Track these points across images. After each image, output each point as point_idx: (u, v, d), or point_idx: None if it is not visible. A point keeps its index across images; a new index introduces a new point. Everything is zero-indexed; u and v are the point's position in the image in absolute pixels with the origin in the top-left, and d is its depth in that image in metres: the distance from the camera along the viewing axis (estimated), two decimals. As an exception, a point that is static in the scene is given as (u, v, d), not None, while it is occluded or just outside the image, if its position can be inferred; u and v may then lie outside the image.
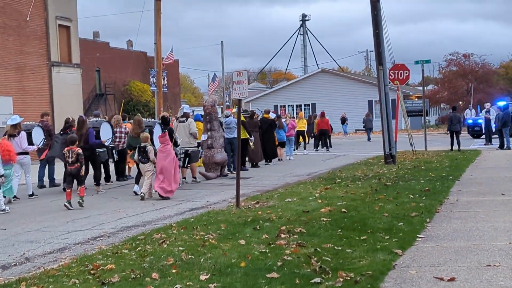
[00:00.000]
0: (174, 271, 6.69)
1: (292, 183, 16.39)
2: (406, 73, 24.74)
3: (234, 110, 21.96)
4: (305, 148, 30.71)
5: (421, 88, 74.61)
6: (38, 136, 17.02)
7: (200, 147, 19.20)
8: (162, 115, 19.13)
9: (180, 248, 7.85)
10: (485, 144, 30.22)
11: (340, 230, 8.89)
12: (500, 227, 9.01)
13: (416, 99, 57.03)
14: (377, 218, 9.78)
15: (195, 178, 18.32)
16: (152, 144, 15.33)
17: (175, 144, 16.11)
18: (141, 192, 14.36)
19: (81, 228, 10.57)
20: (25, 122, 17.28)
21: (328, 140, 32.69)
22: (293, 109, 57.13)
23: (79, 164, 13.43)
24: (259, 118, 23.59)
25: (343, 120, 50.67)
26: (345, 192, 13.16)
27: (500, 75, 79.62)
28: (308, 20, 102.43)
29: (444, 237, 8.51)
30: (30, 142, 16.28)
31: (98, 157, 16.58)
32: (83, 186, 13.51)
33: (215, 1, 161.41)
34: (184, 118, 18.35)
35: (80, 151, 13.60)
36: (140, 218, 11.41)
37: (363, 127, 45.32)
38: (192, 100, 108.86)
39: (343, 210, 10.55)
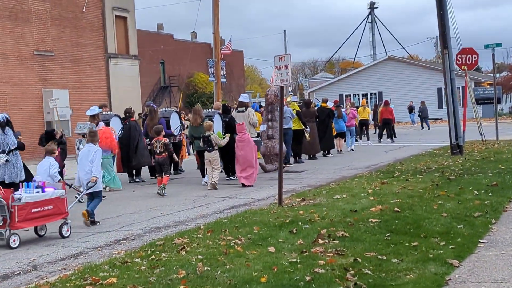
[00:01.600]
0: (182, 287, 5.71)
1: (348, 177, 15.21)
2: (475, 57, 22.99)
3: (289, 99, 20.85)
4: (368, 138, 29.17)
5: (497, 75, 71.52)
6: (117, 126, 16.75)
7: (259, 137, 18.31)
8: (223, 104, 18.43)
9: (199, 256, 6.85)
10: None
11: (389, 234, 7.71)
12: None
13: (488, 86, 54.36)
14: (433, 219, 8.54)
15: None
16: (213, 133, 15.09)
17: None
18: (212, 181, 14.38)
19: (107, 229, 9.74)
20: (103, 113, 17.02)
21: (392, 130, 31.18)
22: (359, 98, 55.42)
23: (167, 153, 13.90)
24: (316, 108, 22.38)
25: (411, 109, 48.61)
26: (402, 187, 11.89)
27: None
28: (376, 8, 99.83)
29: (511, 244, 7.23)
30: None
31: None
32: (168, 175, 14.11)
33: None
34: (243, 108, 17.51)
35: (167, 141, 14.14)
36: (174, 218, 10.51)
37: (419, 115, 43.32)
38: (260, 91, 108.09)
39: (396, 209, 9.34)
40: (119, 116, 17.17)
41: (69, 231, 9.24)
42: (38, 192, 8.97)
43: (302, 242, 7.39)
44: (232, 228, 8.49)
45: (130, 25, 33.93)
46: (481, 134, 23.05)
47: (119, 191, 14.84)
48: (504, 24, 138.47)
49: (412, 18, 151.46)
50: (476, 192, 10.66)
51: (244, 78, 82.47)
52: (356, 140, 28.69)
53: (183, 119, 19.28)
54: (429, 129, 40.43)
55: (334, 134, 23.13)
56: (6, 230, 8.54)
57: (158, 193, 13.58)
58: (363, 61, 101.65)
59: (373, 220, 8.54)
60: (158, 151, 13.87)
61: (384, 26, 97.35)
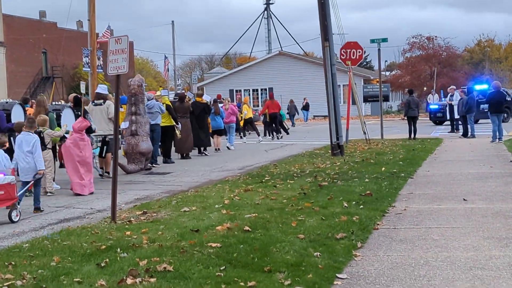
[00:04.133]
0: None
1: (215, 180, 13.50)
2: (359, 52, 21.89)
3: (159, 92, 18.87)
4: (258, 135, 27.17)
5: (387, 73, 72.10)
6: None
7: (120, 135, 16.27)
8: (74, 95, 16.20)
9: None
10: (449, 132, 27.61)
11: (225, 266, 5.97)
12: (459, 260, 6.19)
13: (377, 83, 54.41)
14: (287, 242, 6.88)
15: (108, 172, 15.23)
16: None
17: (90, 131, 13.32)
18: (44, 188, 11.99)
19: None
20: None
21: (281, 125, 29.80)
22: (249, 94, 54.18)
23: None
24: (191, 102, 20.52)
25: (305, 106, 48.11)
26: (266, 196, 10.26)
27: (465, 59, 77.55)
28: (272, 3, 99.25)
29: (375, 280, 5.66)
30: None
31: None
32: None
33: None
34: (101, 101, 15.34)
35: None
36: (-23, 237, 8.34)
37: (287, 113, 42.96)
38: (154, 84, 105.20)
39: (247, 228, 7.61)
40: None
41: (19, 216, 9.44)
42: None
43: (103, 283, 5.50)
44: (25, 258, 6.46)
45: (-5, 8, 30.74)
46: (364, 133, 22.00)
47: None
48: (394, 24, 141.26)
49: (308, 15, 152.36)
50: (345, 204, 9.14)
51: (134, 70, 79.34)
52: (241, 137, 27.12)
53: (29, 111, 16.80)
54: (293, 126, 41.64)
55: (211, 131, 21.35)
56: None
57: None
58: (259, 56, 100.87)
59: (213, 245, 6.78)
60: None
61: (280, 22, 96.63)
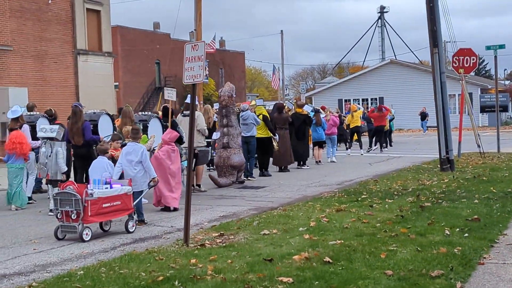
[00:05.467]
0: None
1: (309, 197, 12.60)
2: (473, 59, 20.29)
3: (253, 102, 18.13)
4: (361, 147, 25.94)
5: (507, 82, 68.34)
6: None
7: (210, 147, 15.70)
8: (164, 105, 15.81)
9: None
10: None
11: (292, 309, 5.05)
12: None
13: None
14: (372, 279, 5.85)
15: (199, 186, 14.66)
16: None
17: (180, 142, 12.74)
18: None
19: None
20: (28, 113, 14.69)
21: (386, 138, 28.24)
22: (358, 103, 52.73)
23: None
24: (290, 113, 19.67)
25: (423, 116, 45.94)
26: (357, 218, 9.20)
27: None
28: (386, 12, 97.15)
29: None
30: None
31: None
32: None
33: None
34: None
35: None
36: (43, 258, 7.78)
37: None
38: (266, 94, 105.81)
39: (327, 258, 6.63)
40: (46, 117, 14.59)
41: (134, 226, 9.52)
42: (107, 188, 9.23)
43: (144, 326, 4.73)
44: (73, 289, 5.82)
45: (104, 20, 31.26)
46: (478, 146, 20.31)
47: (20, 209, 12.33)
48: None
49: (423, 23, 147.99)
50: (447, 232, 7.92)
51: (245, 80, 79.67)
52: (346, 149, 25.96)
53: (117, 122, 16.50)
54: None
55: (311, 143, 20.41)
56: (79, 224, 8.79)
57: None
58: (372, 65, 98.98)
59: (284, 280, 5.87)
60: None
61: (394, 31, 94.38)
